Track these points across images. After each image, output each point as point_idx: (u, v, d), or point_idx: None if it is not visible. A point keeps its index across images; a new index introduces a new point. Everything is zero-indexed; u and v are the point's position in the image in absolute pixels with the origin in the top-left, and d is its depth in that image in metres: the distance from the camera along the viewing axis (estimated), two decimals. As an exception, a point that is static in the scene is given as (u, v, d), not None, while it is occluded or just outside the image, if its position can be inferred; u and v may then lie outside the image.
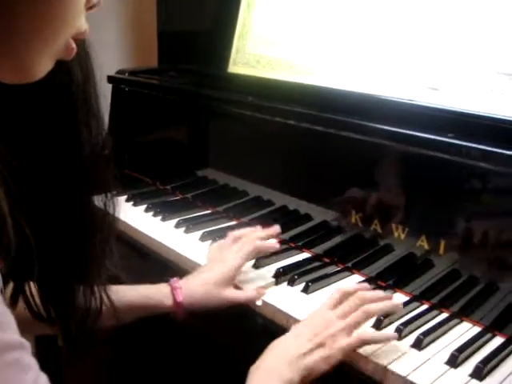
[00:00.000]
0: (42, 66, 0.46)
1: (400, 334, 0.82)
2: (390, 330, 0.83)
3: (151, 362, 1.37)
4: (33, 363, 0.46)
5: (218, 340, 1.09)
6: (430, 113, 0.91)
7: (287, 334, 0.78)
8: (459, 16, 0.91)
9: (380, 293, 0.86)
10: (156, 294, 0.92)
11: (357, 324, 0.78)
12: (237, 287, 0.96)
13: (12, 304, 0.65)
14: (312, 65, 1.11)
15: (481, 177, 0.82)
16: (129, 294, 0.90)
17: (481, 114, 0.86)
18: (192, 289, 0.92)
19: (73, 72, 0.55)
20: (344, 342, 0.75)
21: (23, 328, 0.46)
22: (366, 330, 0.81)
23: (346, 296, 0.82)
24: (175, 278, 0.94)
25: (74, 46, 0.47)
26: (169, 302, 0.91)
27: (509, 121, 0.83)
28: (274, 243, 1.02)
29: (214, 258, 0.99)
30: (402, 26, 0.98)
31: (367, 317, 0.80)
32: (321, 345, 0.74)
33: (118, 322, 0.88)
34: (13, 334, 0.45)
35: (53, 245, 0.63)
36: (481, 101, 0.87)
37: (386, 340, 0.79)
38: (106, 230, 0.68)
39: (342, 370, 0.77)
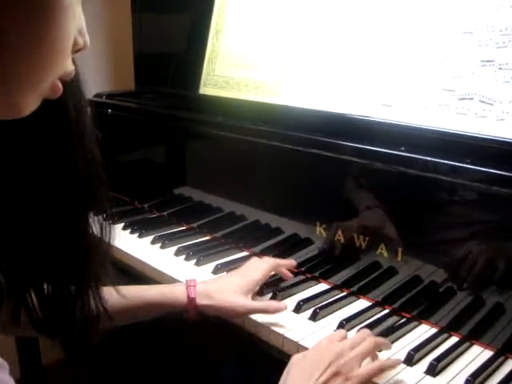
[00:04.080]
0: (31, 104, 0.49)
1: (361, 337, 0.87)
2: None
3: (141, 376, 1.40)
4: (10, 381, 0.48)
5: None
6: (385, 128, 0.97)
7: (296, 369, 0.75)
8: (408, 40, 0.98)
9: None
10: (171, 291, 0.95)
11: (367, 353, 0.78)
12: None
13: (14, 318, 0.65)
14: (276, 85, 1.17)
15: (431, 186, 0.88)
16: (148, 292, 0.93)
17: (429, 128, 0.91)
18: (208, 288, 0.95)
19: (68, 107, 0.59)
20: (360, 371, 0.74)
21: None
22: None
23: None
24: (193, 278, 0.96)
25: (60, 86, 0.50)
26: (183, 298, 0.93)
27: (453, 134, 0.88)
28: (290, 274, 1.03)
29: (235, 271, 1.01)
30: (359, 50, 1.04)
31: (375, 347, 0.80)
32: (337, 374, 0.73)
33: (135, 320, 0.92)
34: None
35: (53, 261, 0.65)
36: (428, 115, 0.92)
37: (396, 364, 0.80)
38: (104, 248, 0.70)
39: None
